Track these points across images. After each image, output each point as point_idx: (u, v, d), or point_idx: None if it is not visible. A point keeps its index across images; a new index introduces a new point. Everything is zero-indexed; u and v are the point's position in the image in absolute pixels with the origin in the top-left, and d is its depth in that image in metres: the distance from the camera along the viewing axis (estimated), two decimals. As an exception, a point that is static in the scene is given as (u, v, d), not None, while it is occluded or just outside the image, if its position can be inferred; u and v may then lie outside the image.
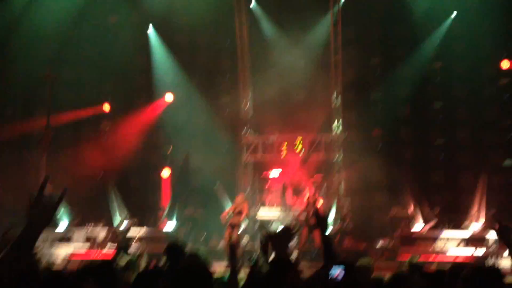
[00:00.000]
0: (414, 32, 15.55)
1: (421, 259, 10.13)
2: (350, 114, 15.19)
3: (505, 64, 15.19)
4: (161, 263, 5.76)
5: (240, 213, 12.09)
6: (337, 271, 3.57)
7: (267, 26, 16.15)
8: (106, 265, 4.16)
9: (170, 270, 4.26)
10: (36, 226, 2.29)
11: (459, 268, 3.98)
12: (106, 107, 16.76)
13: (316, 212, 4.35)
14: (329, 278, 3.51)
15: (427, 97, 15.99)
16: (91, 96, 16.60)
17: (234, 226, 12.26)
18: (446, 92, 15.65)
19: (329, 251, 4.16)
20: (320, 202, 12.41)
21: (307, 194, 12.60)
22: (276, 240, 4.14)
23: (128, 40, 16.31)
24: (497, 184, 14.21)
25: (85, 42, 16.66)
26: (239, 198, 12.51)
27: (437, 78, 15.97)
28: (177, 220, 14.42)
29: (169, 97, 16.52)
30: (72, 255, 13.04)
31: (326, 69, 15.30)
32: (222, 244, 12.91)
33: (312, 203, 11.99)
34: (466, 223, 12.75)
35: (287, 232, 4.12)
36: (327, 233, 4.39)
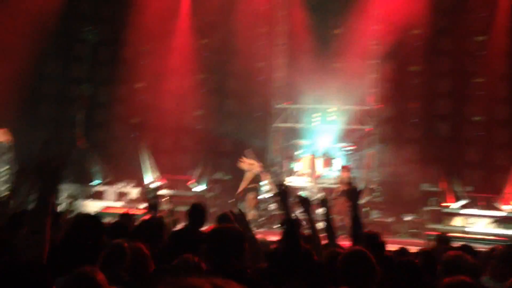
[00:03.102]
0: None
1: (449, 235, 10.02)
2: (387, 85, 14.86)
3: None
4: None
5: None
6: None
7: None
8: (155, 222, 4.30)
9: (191, 230, 4.33)
10: (49, 185, 2.37)
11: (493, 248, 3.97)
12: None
13: (350, 185, 4.30)
14: None
15: (468, 71, 15.47)
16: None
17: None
18: (488, 67, 15.06)
19: (357, 230, 4.11)
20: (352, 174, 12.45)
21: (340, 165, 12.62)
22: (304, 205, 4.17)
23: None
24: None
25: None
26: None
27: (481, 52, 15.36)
28: (205, 183, 14.58)
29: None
30: (106, 208, 13.39)
31: (365, 39, 14.93)
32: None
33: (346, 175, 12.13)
34: (498, 202, 12.49)
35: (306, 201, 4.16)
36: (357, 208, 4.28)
